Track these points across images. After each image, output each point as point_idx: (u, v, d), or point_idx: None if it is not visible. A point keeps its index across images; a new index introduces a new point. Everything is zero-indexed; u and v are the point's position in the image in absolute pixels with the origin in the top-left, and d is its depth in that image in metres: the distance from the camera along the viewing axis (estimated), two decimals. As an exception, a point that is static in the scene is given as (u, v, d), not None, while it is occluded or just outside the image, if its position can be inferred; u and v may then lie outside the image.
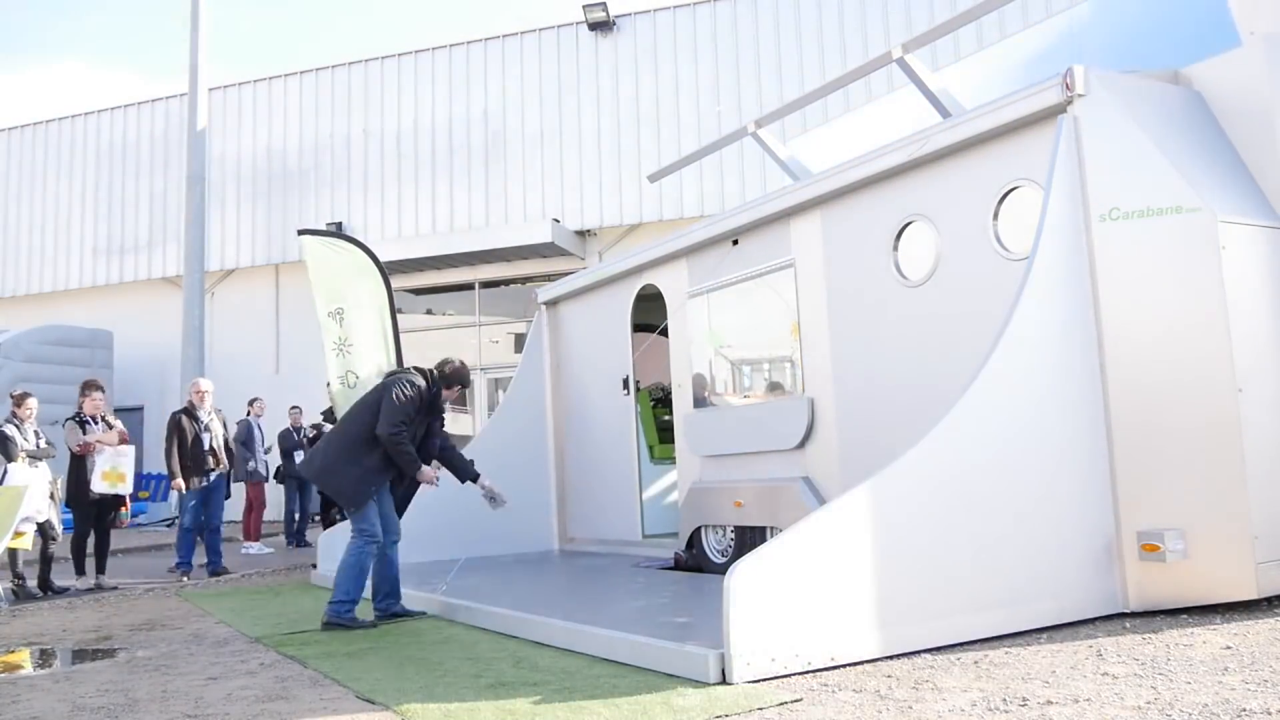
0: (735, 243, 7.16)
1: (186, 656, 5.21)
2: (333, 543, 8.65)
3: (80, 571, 8.97)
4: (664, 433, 8.73)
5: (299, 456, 12.85)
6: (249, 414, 12.55)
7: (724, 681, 3.79)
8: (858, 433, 6.11)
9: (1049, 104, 4.92)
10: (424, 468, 5.96)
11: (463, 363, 6.26)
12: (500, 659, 4.61)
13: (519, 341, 16.94)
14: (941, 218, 5.62)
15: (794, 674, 3.86)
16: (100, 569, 8.91)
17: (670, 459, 8.33)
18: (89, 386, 9.06)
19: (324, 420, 12.30)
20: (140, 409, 18.76)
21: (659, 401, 9.09)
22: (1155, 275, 4.69)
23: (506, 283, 17.93)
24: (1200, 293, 4.61)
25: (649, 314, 8.58)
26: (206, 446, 9.28)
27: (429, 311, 18.67)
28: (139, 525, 16.89)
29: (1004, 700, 3.35)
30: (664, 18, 16.71)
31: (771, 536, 6.15)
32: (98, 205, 20.37)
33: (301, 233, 10.85)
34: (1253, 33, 5.14)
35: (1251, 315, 4.64)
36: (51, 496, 8.40)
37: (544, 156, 17.03)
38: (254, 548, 12.06)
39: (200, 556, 9.59)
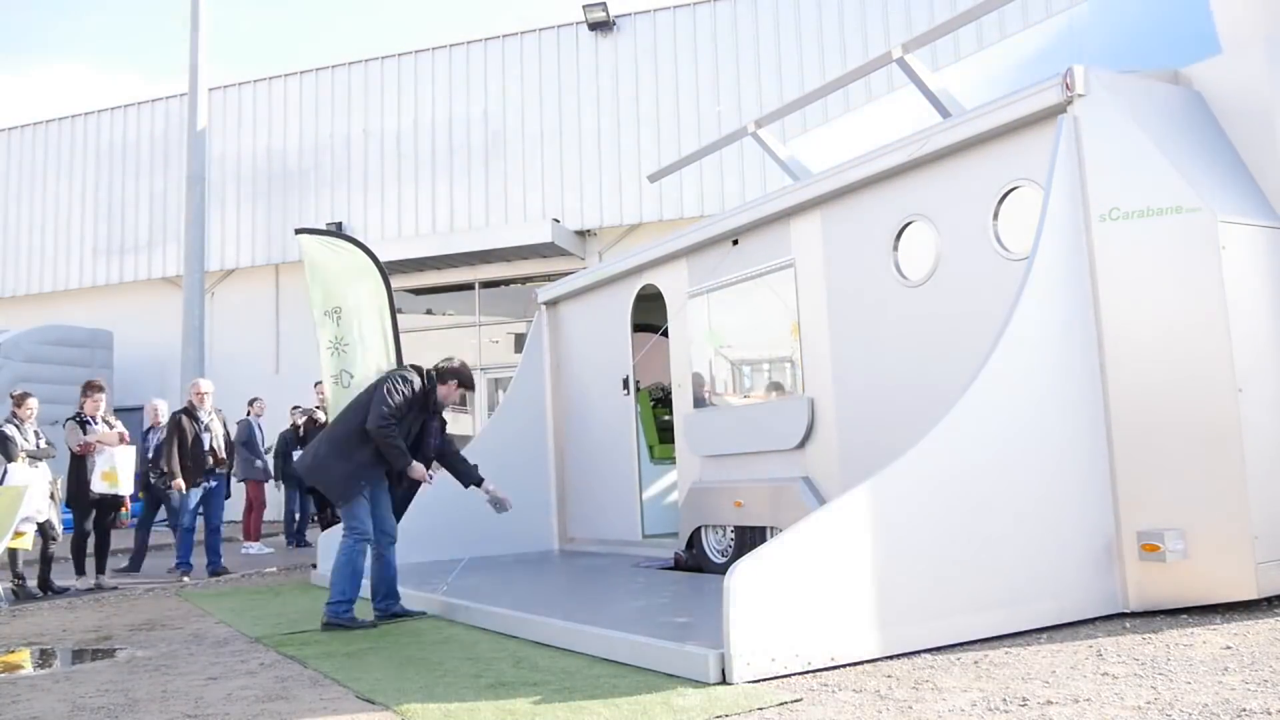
0: (735, 243, 7.16)
1: (186, 656, 5.21)
2: (332, 543, 8.65)
3: (80, 571, 8.97)
4: (664, 433, 8.73)
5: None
6: (249, 414, 12.54)
7: (724, 681, 3.79)
8: (858, 433, 6.11)
9: (1049, 104, 4.92)
10: (415, 464, 5.93)
11: (463, 363, 6.23)
12: (500, 659, 4.61)
13: (519, 341, 16.94)
14: (941, 218, 5.62)
15: (794, 674, 3.86)
16: (100, 569, 8.91)
17: (670, 459, 8.33)
18: (91, 387, 9.07)
19: (303, 417, 12.35)
20: (140, 409, 18.73)
21: (659, 401, 9.09)
22: (1155, 275, 4.69)
23: (506, 283, 17.93)
24: (1200, 293, 4.61)
25: (649, 314, 8.58)
26: (206, 447, 9.28)
27: (429, 311, 18.67)
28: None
29: (1004, 700, 3.36)
30: (664, 18, 16.71)
31: (771, 536, 6.15)
32: (98, 205, 20.37)
33: (299, 231, 10.84)
34: (1234, 41, 5.15)
35: (1251, 315, 4.64)
36: (51, 496, 8.40)
37: (544, 156, 17.03)
38: (254, 548, 12.06)
39: (200, 556, 9.59)
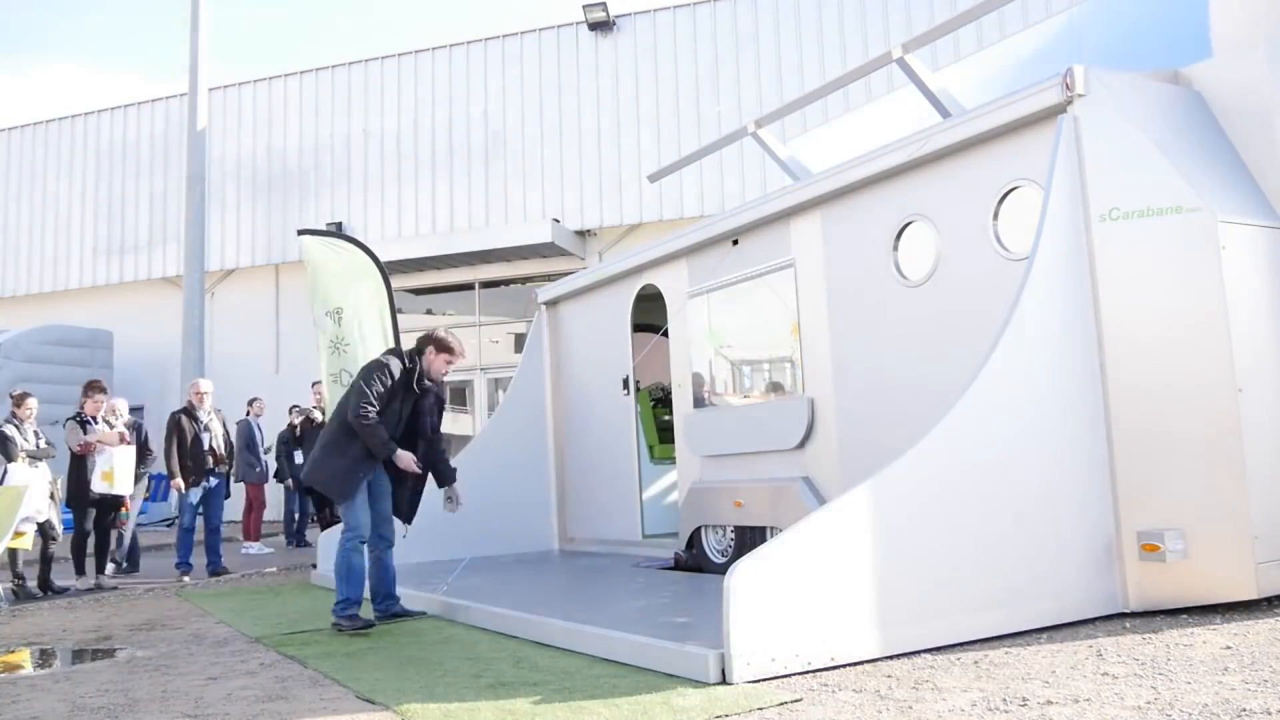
0: (735, 243, 7.16)
1: (186, 656, 5.21)
2: (333, 543, 8.65)
3: (80, 571, 8.97)
4: (664, 433, 8.73)
5: (299, 457, 12.87)
6: (248, 414, 12.55)
7: (724, 681, 3.79)
8: (858, 433, 6.11)
9: (1049, 104, 4.92)
10: (401, 453, 5.77)
11: (447, 330, 6.07)
12: (500, 659, 4.61)
13: (519, 341, 16.94)
14: (941, 218, 5.62)
15: (794, 674, 3.86)
16: (100, 569, 8.91)
17: (670, 459, 8.33)
18: (92, 388, 9.07)
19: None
20: (140, 409, 18.74)
21: (659, 401, 9.09)
22: (1155, 275, 4.69)
23: (506, 283, 17.93)
24: (1200, 293, 4.61)
25: (649, 314, 8.58)
26: (206, 447, 9.28)
27: (429, 311, 18.68)
28: (139, 525, 16.86)
29: (1004, 700, 3.36)
30: (664, 18, 16.71)
31: (771, 536, 6.15)
32: (98, 205, 20.37)
33: (301, 232, 10.85)
34: (1227, 44, 5.15)
35: (1251, 315, 4.64)
36: (51, 496, 8.40)
37: (544, 156, 17.03)
38: (254, 548, 12.07)
39: (200, 556, 9.59)
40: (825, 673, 3.88)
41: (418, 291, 18.17)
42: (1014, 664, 3.85)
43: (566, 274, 11.38)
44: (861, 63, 7.31)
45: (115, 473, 8.71)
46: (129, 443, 9.04)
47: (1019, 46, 7.31)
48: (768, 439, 6.77)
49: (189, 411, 9.35)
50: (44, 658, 5.64)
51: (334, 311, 11.26)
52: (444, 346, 5.96)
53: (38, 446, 8.37)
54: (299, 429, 12.40)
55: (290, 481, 12.92)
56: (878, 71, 7.39)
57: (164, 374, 18.32)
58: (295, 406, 13.27)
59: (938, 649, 4.14)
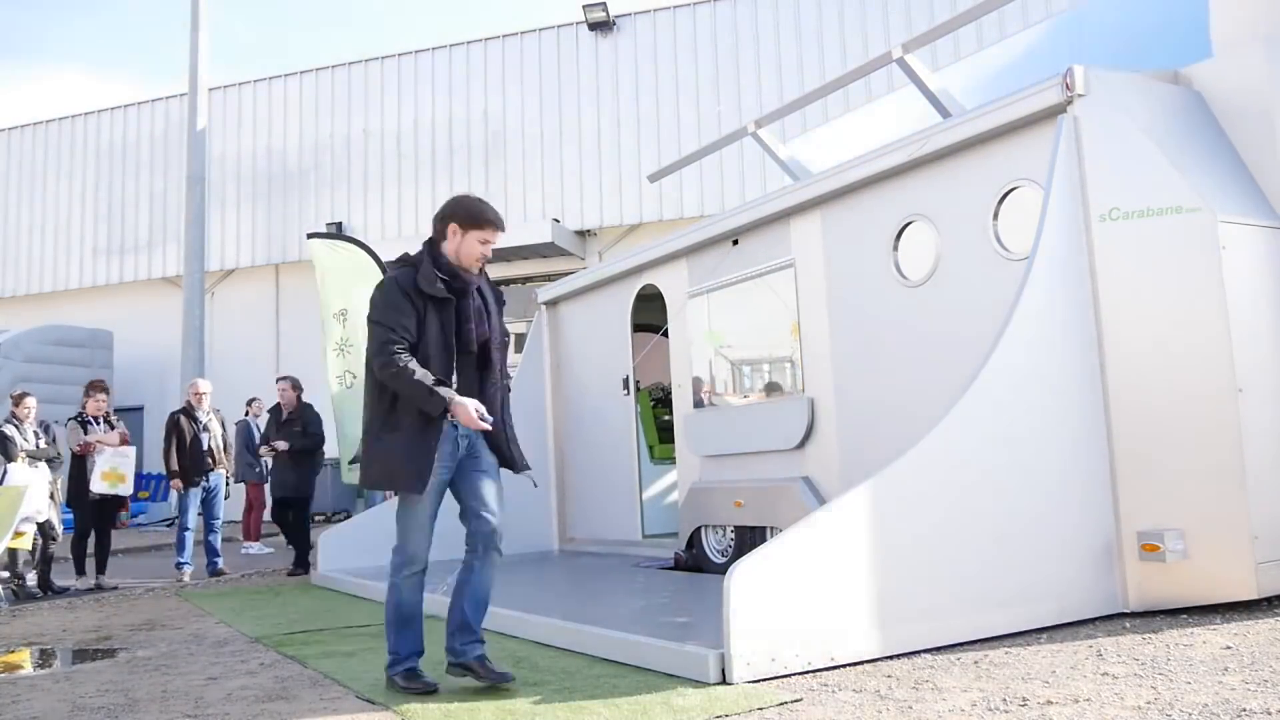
0: (735, 243, 7.16)
1: (186, 656, 5.21)
2: (332, 543, 8.66)
3: (80, 571, 8.97)
4: (664, 433, 8.73)
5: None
6: (247, 414, 12.54)
7: (724, 681, 3.79)
8: (858, 433, 6.11)
9: (1049, 104, 4.92)
10: (460, 400, 3.91)
11: (469, 194, 4.34)
12: (500, 659, 4.60)
13: (519, 341, 16.93)
14: (941, 218, 5.62)
15: (794, 674, 3.85)
16: (100, 569, 8.91)
17: (670, 459, 8.33)
18: (93, 388, 9.08)
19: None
20: (140, 409, 18.76)
21: (659, 401, 9.09)
22: (1155, 275, 4.69)
23: (506, 283, 17.91)
24: (1200, 293, 4.61)
25: (649, 314, 8.58)
26: (205, 447, 9.27)
27: (429, 311, 18.66)
28: (139, 525, 16.90)
29: (1004, 700, 3.35)
30: (664, 18, 16.72)
31: (771, 536, 6.14)
32: (98, 205, 20.38)
33: (311, 236, 10.94)
34: (1228, 44, 5.15)
35: (1251, 315, 4.64)
36: (51, 496, 8.40)
37: (544, 156, 17.04)
38: (254, 548, 12.07)
39: (200, 556, 9.59)
40: (825, 673, 3.88)
41: (418, 291, 18.14)
42: (1014, 664, 3.84)
43: (566, 274, 11.38)
44: (861, 63, 7.31)
45: (117, 473, 8.71)
46: (129, 443, 9.04)
47: (1019, 46, 7.31)
48: (768, 439, 6.77)
49: (188, 412, 9.35)
50: (44, 658, 5.63)
51: (339, 313, 11.33)
52: (472, 217, 4.03)
53: (37, 446, 8.37)
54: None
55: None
56: (878, 71, 7.39)
57: (164, 374, 18.33)
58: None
59: (938, 649, 4.14)
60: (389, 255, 13.55)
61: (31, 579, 8.49)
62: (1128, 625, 4.40)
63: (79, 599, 8.19)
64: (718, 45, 16.33)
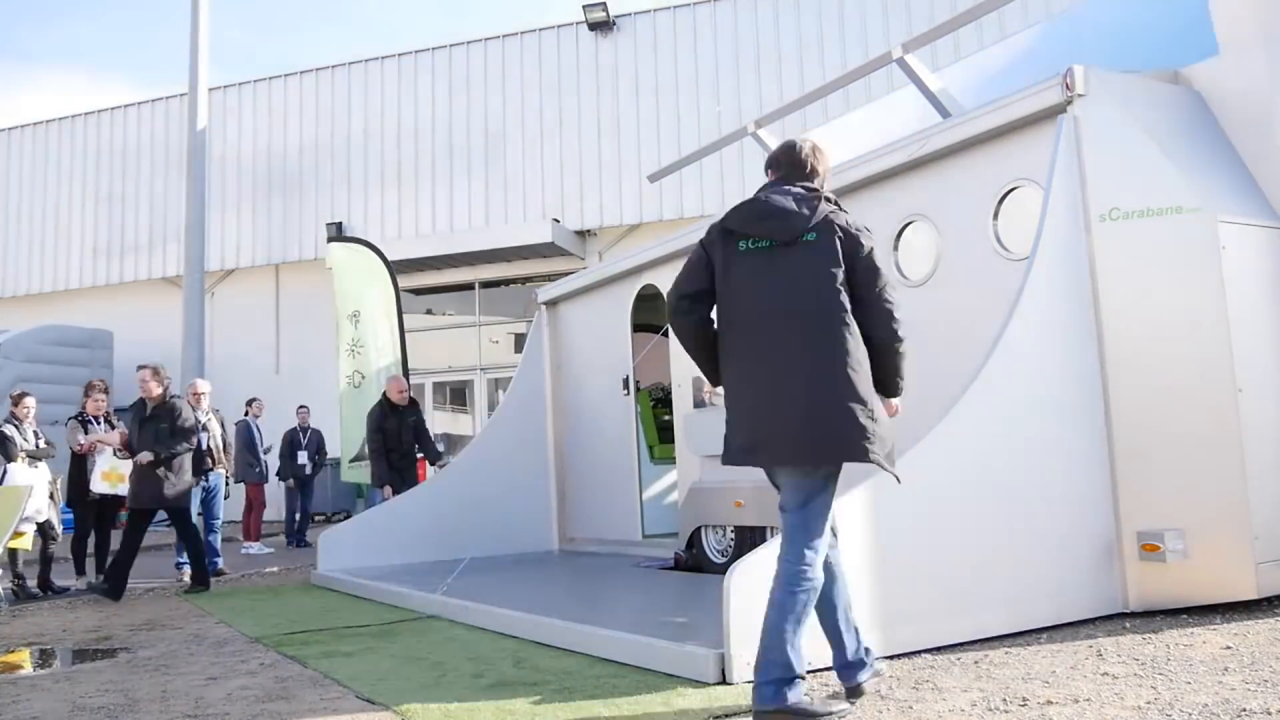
0: (735, 243, 7.14)
1: (186, 656, 5.21)
2: (333, 542, 8.66)
3: (80, 571, 8.97)
4: (664, 433, 8.73)
5: (302, 457, 12.94)
6: (247, 414, 12.57)
7: (724, 681, 3.79)
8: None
9: (1049, 104, 4.92)
10: None
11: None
12: (500, 659, 4.61)
13: (519, 341, 16.94)
14: (941, 218, 5.62)
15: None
16: (100, 569, 8.90)
17: (670, 459, 8.33)
18: (93, 388, 9.07)
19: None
20: (140, 409, 18.74)
21: (659, 401, 9.09)
22: (1155, 275, 4.69)
23: (506, 283, 17.93)
24: (1200, 293, 4.61)
25: (649, 314, 8.58)
26: (204, 447, 9.26)
27: (429, 311, 18.68)
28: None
29: (1004, 700, 3.35)
30: (664, 18, 16.71)
31: (771, 536, 6.14)
32: (98, 205, 20.38)
33: (331, 240, 11.04)
34: (1232, 42, 5.15)
35: (1251, 315, 4.64)
36: (51, 496, 8.40)
37: (544, 156, 17.03)
38: (254, 547, 12.08)
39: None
40: (825, 673, 3.88)
41: (418, 291, 18.18)
42: (1014, 664, 3.84)
43: (566, 274, 11.38)
44: (861, 63, 7.31)
45: (117, 473, 8.70)
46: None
47: (1019, 46, 7.31)
48: (768, 439, 6.75)
49: (187, 411, 9.33)
50: (44, 658, 5.63)
51: (353, 315, 11.43)
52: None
53: (37, 446, 8.36)
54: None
55: (291, 481, 12.98)
56: (878, 71, 7.38)
57: (164, 374, 18.30)
58: (303, 407, 13.33)
59: (938, 649, 4.14)
60: (389, 255, 13.65)
61: (31, 581, 8.50)
62: (1128, 625, 4.40)
63: (79, 599, 8.18)
64: (718, 45, 16.33)
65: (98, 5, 58.26)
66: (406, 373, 11.08)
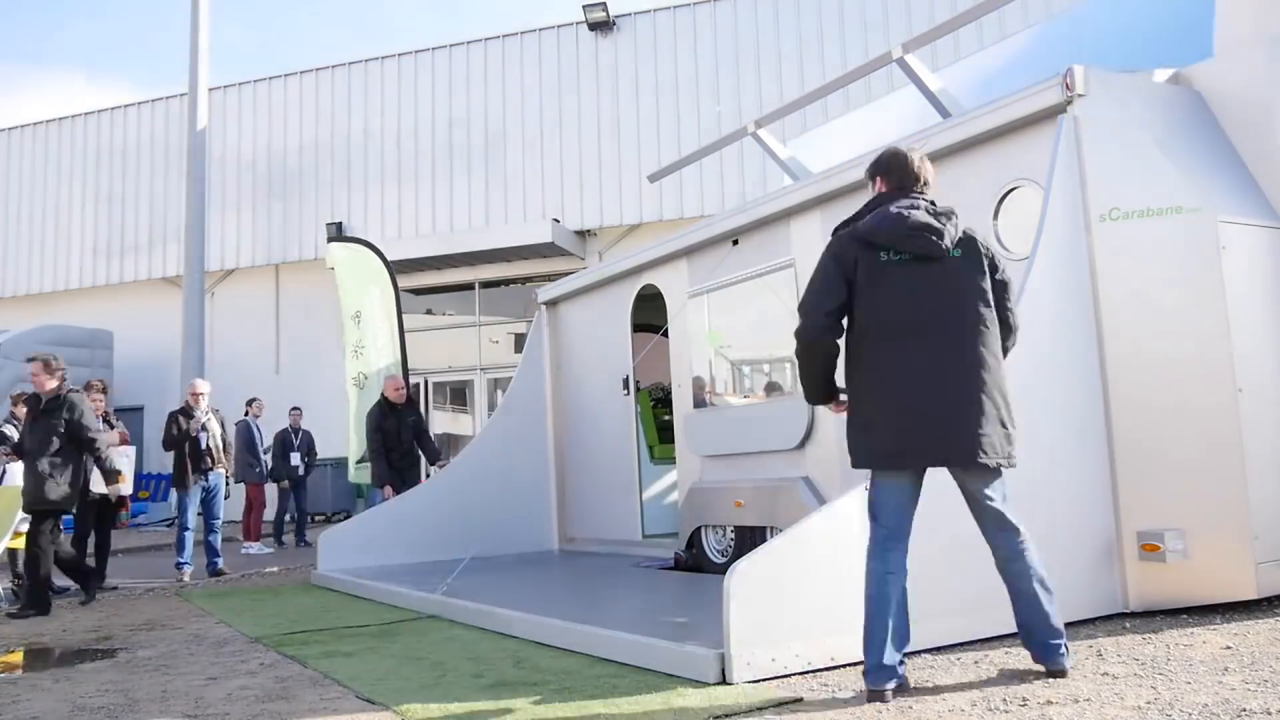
0: (735, 243, 7.16)
1: (186, 656, 5.21)
2: (333, 543, 8.67)
3: (80, 571, 8.95)
4: (664, 433, 8.73)
5: (295, 458, 12.95)
6: (247, 414, 12.57)
7: (724, 681, 3.79)
8: (858, 433, 6.10)
9: (1049, 104, 4.92)
10: None
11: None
12: (500, 659, 4.61)
13: (519, 341, 16.94)
14: (941, 218, 5.61)
15: (794, 674, 3.85)
16: (101, 569, 8.89)
17: (670, 459, 8.34)
18: (91, 387, 9.06)
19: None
20: (140, 409, 18.77)
21: (659, 401, 9.10)
22: (1155, 275, 4.69)
23: (506, 283, 17.93)
24: (1200, 293, 4.61)
25: (649, 314, 8.58)
26: (204, 446, 9.26)
27: (429, 311, 18.68)
28: (139, 525, 16.90)
29: (1004, 700, 3.36)
30: (664, 18, 16.71)
31: (771, 536, 6.14)
32: (98, 205, 20.38)
33: (331, 240, 11.03)
34: (1229, 44, 5.15)
35: (1251, 315, 4.64)
36: (51, 496, 8.38)
37: (544, 156, 17.03)
38: (254, 547, 12.08)
39: (200, 556, 9.58)
40: (825, 673, 3.88)
41: (418, 291, 18.18)
42: (1014, 664, 3.84)
43: (566, 274, 11.39)
44: (861, 63, 7.31)
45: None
46: (129, 443, 9.03)
47: (1019, 46, 7.31)
48: (768, 439, 6.77)
49: (186, 412, 9.34)
50: (44, 658, 5.63)
51: (355, 315, 11.45)
52: (900, 168, 3.75)
53: (38, 446, 8.35)
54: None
55: (286, 482, 12.99)
56: (878, 71, 7.39)
57: (164, 374, 18.32)
58: (296, 408, 13.32)
59: (938, 649, 4.14)
60: (389, 255, 13.66)
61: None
62: (1128, 625, 4.40)
63: (79, 599, 8.18)
64: (718, 45, 16.32)
65: (96, 7, 58.29)
66: (406, 373, 11.09)
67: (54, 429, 7.37)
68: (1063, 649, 3.60)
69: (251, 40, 55.88)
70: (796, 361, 3.76)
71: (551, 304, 9.69)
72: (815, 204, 6.44)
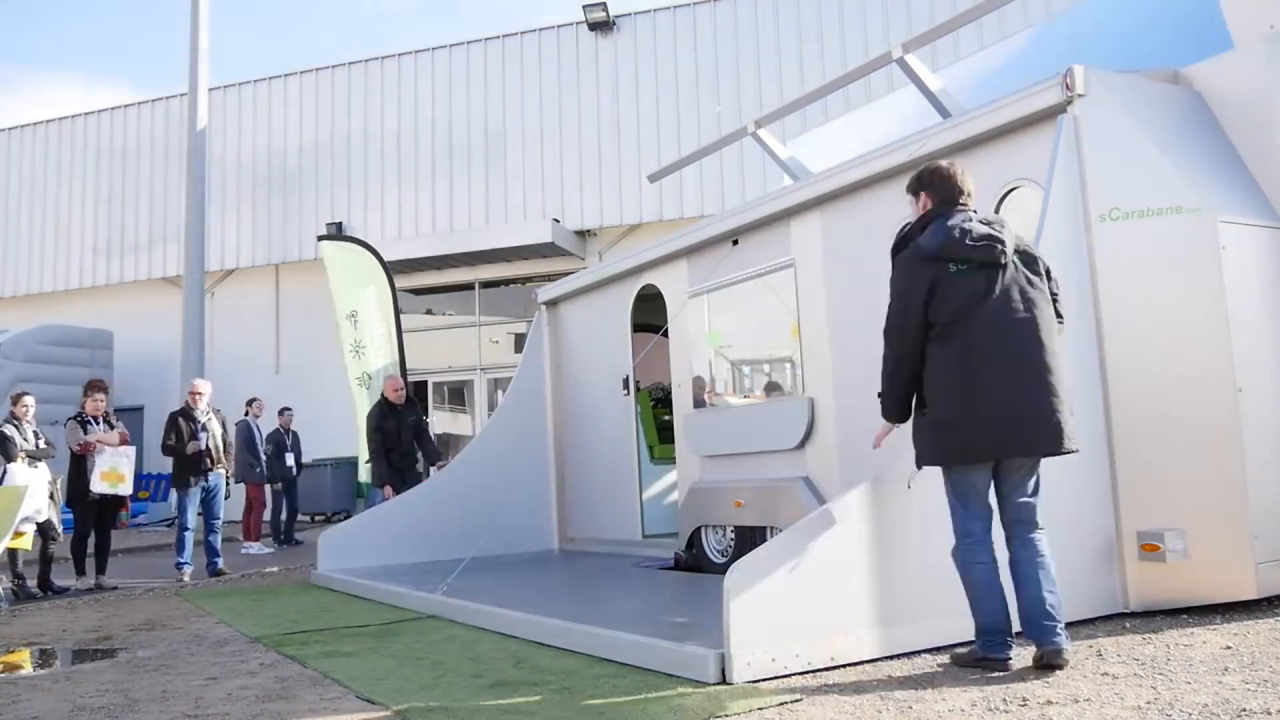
0: (735, 243, 7.16)
1: (186, 656, 5.21)
2: (333, 543, 8.67)
3: (80, 571, 8.97)
4: (664, 433, 8.73)
5: (289, 459, 12.96)
6: (248, 414, 12.57)
7: (724, 681, 3.79)
8: (858, 433, 6.11)
9: (1049, 104, 4.92)
10: None
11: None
12: (501, 659, 4.61)
13: (519, 341, 16.94)
14: (941, 218, 5.61)
15: (794, 674, 3.85)
16: (100, 569, 8.91)
17: (670, 459, 8.33)
18: (92, 387, 9.07)
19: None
20: (140, 409, 18.77)
21: (659, 401, 9.10)
22: (1155, 275, 4.69)
23: (506, 283, 17.93)
24: (1200, 293, 4.61)
25: (649, 314, 8.58)
26: (204, 447, 9.26)
27: (429, 311, 18.68)
28: (139, 525, 16.90)
29: (1004, 700, 3.36)
30: (664, 18, 16.71)
31: (771, 536, 6.14)
32: (98, 205, 20.38)
33: (321, 238, 10.97)
34: (1247, 36, 5.14)
35: (1251, 315, 4.64)
36: (51, 496, 8.40)
37: (544, 156, 17.03)
38: (254, 547, 12.08)
39: (200, 556, 9.59)
40: (825, 673, 3.88)
41: (418, 291, 18.18)
42: (1014, 663, 3.84)
43: (566, 274, 11.38)
44: (861, 63, 7.31)
45: (116, 473, 8.70)
46: (129, 443, 9.03)
47: (1019, 46, 7.31)
48: (768, 439, 6.77)
49: (186, 412, 9.34)
50: (44, 658, 5.64)
51: (350, 315, 11.44)
52: (945, 183, 3.98)
53: (37, 446, 8.36)
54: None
55: (280, 484, 13.00)
56: (878, 71, 7.38)
57: (164, 374, 18.32)
58: (287, 408, 13.32)
59: (938, 649, 4.14)
60: (389, 255, 13.66)
61: (31, 581, 8.50)
62: (1128, 625, 4.40)
63: (79, 599, 8.18)
64: (718, 45, 16.32)
65: (94, 9, 58.28)
66: (404, 372, 11.08)
67: None
68: (1059, 630, 3.72)
69: (251, 40, 55.88)
70: (883, 377, 3.97)
71: (551, 304, 9.69)
72: (815, 204, 6.44)
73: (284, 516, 13.12)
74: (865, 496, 4.13)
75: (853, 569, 4.04)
